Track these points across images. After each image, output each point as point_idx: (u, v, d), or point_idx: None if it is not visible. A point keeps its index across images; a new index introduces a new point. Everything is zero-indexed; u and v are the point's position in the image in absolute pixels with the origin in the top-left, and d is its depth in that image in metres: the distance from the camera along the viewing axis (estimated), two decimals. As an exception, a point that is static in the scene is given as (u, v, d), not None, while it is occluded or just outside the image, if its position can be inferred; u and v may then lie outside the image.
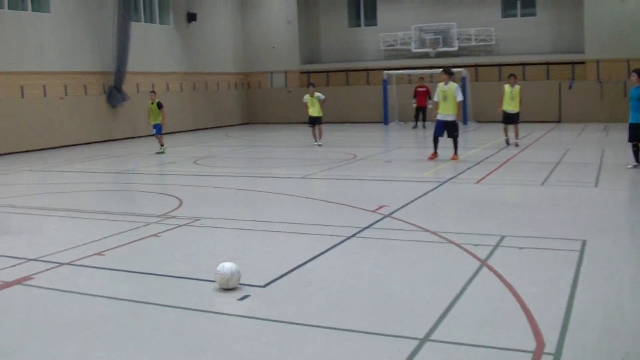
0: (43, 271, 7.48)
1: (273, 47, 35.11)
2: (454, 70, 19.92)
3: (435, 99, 16.76)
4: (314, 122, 21.46)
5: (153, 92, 21.85)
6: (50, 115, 23.81)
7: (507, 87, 19.34)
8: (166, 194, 12.94)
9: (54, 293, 6.73)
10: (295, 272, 7.18)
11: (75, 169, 17.34)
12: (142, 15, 28.99)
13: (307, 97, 21.52)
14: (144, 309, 6.16)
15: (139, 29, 27.74)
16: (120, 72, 26.39)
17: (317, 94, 21.49)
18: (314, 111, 21.33)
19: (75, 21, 25.09)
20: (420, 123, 28.41)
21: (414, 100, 28.31)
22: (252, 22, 35.65)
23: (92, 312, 6.15)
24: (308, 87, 22.15)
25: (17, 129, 22.41)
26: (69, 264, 7.78)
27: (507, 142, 19.31)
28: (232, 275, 6.54)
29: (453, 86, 16.42)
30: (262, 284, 6.70)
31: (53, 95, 24.06)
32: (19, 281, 7.09)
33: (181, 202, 11.63)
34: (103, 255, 8.13)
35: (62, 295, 6.65)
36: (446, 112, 16.46)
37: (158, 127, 20.76)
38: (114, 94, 26.48)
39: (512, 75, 19.45)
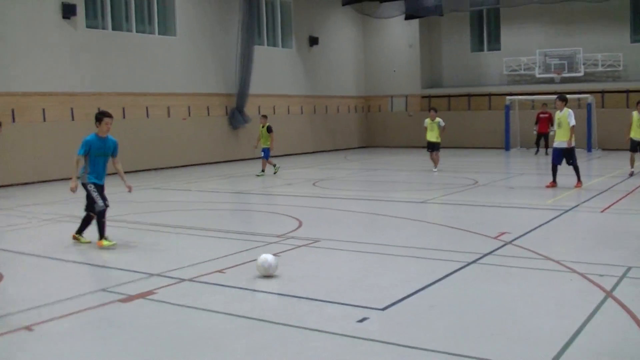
0: (165, 286, 7.69)
1: (394, 71, 35.17)
2: (579, 96, 19.20)
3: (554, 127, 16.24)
4: (431, 147, 21.20)
5: (264, 116, 22.06)
6: (173, 135, 24.69)
7: (635, 113, 18.47)
8: (286, 215, 13.09)
9: (176, 308, 6.90)
10: (415, 296, 7.07)
11: (197, 188, 17.87)
12: (265, 39, 29.71)
13: (427, 121, 21.32)
14: (263, 326, 6.22)
15: (261, 52, 28.42)
16: (242, 95, 27.08)
17: (437, 119, 21.19)
18: (432, 136, 21.05)
19: (200, 44, 26.00)
20: (542, 150, 27.66)
21: (535, 127, 27.56)
22: (374, 45, 35.86)
23: (213, 328, 6.26)
24: (429, 111, 21.90)
25: (141, 147, 23.33)
26: (190, 280, 7.98)
27: (631, 174, 18.35)
28: (269, 266, 7.90)
29: (567, 112, 15.93)
30: (381, 307, 6.64)
31: (177, 116, 24.97)
32: (142, 295, 7.32)
33: (301, 223, 11.74)
34: (224, 272, 8.29)
35: (183, 311, 6.81)
36: (561, 139, 15.97)
37: (266, 151, 20.99)
38: (236, 116, 27.20)
39: None
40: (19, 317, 6.66)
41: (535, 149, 27.82)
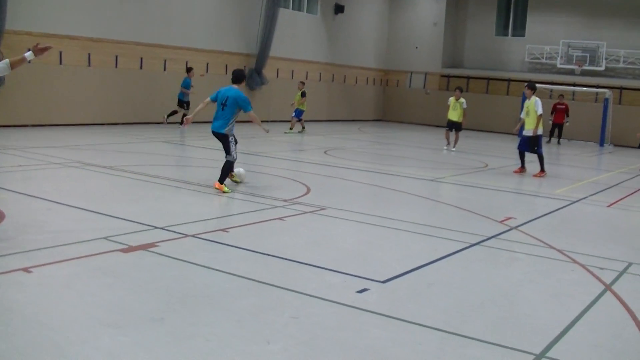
0: (168, 240, 7.70)
1: (416, 47, 34.93)
2: (598, 90, 19.05)
3: (521, 115, 16.53)
4: (451, 126, 21.17)
5: (302, 82, 24.36)
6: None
7: None
8: (294, 180, 13.07)
9: (176, 262, 6.90)
10: (416, 272, 7.07)
11: (209, 146, 17.82)
12: (291, 2, 29.48)
13: (451, 99, 21.24)
14: (262, 289, 6.22)
15: (286, 16, 28.22)
16: (262, 56, 26.94)
17: (462, 99, 21.09)
18: (454, 115, 20.98)
19: (223, 1, 25.77)
20: (554, 139, 27.63)
21: (551, 117, 27.48)
22: (399, 20, 35.57)
23: (212, 286, 6.26)
24: (455, 90, 21.78)
25: (156, 100, 23.24)
26: (193, 236, 7.97)
27: None
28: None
29: (534, 100, 15.96)
30: (382, 280, 6.64)
31: (195, 71, 24.81)
32: (143, 247, 7.32)
33: (309, 190, 11.73)
34: (227, 232, 8.30)
35: (183, 266, 6.81)
36: (528, 127, 16.08)
37: (298, 112, 23.50)
38: (254, 77, 27.06)
39: None
40: (19, 258, 6.65)
41: (548, 138, 27.73)
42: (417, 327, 5.49)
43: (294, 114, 23.84)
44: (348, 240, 8.57)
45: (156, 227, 8.25)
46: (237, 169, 12.01)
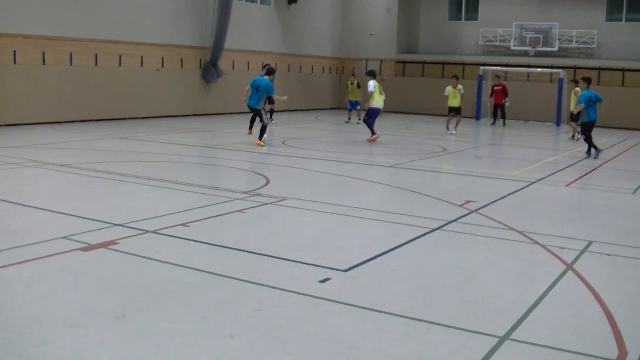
0: (128, 237, 7.63)
1: (370, 35, 35.03)
2: (552, 70, 19.68)
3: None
4: (455, 111, 22.16)
5: (353, 75, 26.61)
6: (145, 86, 24.40)
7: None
8: (253, 172, 13.06)
9: (138, 259, 6.84)
10: (378, 259, 7.11)
11: (166, 140, 17.71)
12: (244, -7, 29.34)
13: (449, 88, 22.18)
14: (224, 282, 6.21)
15: (239, 7, 28.07)
16: (217, 48, 26.78)
17: (459, 86, 22.10)
18: (455, 102, 22.08)
19: (178, -5, 25.57)
20: (499, 121, 28.15)
21: (490, 99, 28.10)
22: (352, 7, 35.63)
23: (175, 281, 6.23)
24: (452, 78, 22.72)
25: (112, 97, 23.05)
26: (154, 232, 7.92)
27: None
28: None
29: (369, 83, 18.96)
30: (343, 268, 6.67)
31: (150, 67, 24.63)
32: (103, 245, 7.25)
33: (268, 181, 11.72)
34: (188, 226, 8.25)
35: (145, 262, 6.76)
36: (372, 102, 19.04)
37: (356, 104, 25.30)
38: (210, 70, 26.90)
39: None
40: (-22, 261, 6.58)
41: (492, 120, 28.27)
42: (381, 315, 5.52)
43: (350, 107, 25.60)
44: (309, 230, 8.59)
45: (116, 225, 8.17)
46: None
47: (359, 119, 24.65)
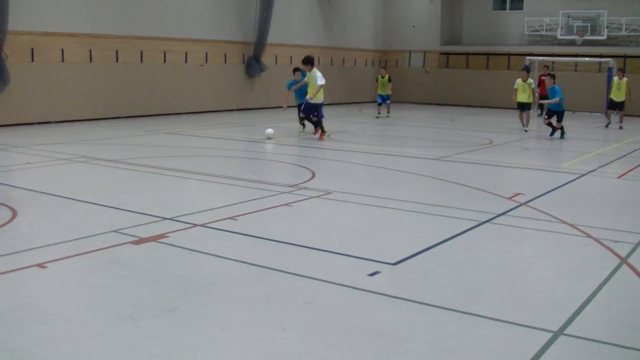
0: (177, 230, 7.70)
1: (413, 26, 34.79)
2: (601, 60, 19.38)
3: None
4: (522, 107, 20.90)
5: (384, 68, 26.66)
6: (190, 81, 24.59)
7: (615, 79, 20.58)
8: (299, 165, 13.07)
9: (188, 252, 6.91)
10: (426, 252, 7.06)
11: (211, 135, 17.83)
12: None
13: (519, 82, 20.95)
14: (273, 275, 6.23)
15: (281, 2, 28.08)
16: (260, 43, 26.86)
17: (530, 80, 21.02)
18: (524, 97, 20.75)
19: (220, -10, 25.71)
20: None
21: (537, 89, 27.36)
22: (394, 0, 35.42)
23: (224, 274, 6.28)
24: (522, 70, 21.63)
25: (157, 93, 23.30)
26: (202, 225, 7.98)
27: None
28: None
29: (314, 73, 17.16)
30: (392, 262, 6.63)
31: (194, 62, 24.83)
32: (154, 238, 7.33)
33: (313, 174, 11.71)
34: (235, 220, 8.29)
35: (195, 255, 6.82)
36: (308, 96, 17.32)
37: (387, 98, 24.72)
38: (253, 64, 27.00)
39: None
40: (32, 254, 6.71)
41: (539, 111, 27.68)
42: (431, 308, 5.48)
43: (380, 100, 24.84)
44: (356, 223, 8.57)
45: (165, 218, 8.25)
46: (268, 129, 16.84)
47: (388, 113, 24.96)
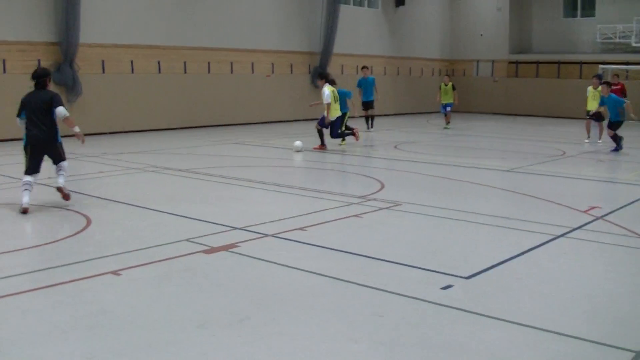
0: (248, 240, 7.74)
1: (481, 35, 34.38)
2: None
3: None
4: (594, 117, 19.77)
5: (448, 75, 26.26)
6: (256, 92, 24.82)
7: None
8: (367, 176, 13.00)
9: (258, 262, 6.93)
10: (500, 266, 6.90)
11: (279, 145, 17.92)
12: (352, -2, 29.44)
13: (590, 89, 20.29)
14: (344, 286, 6.18)
15: (347, 12, 28.15)
16: (326, 53, 26.94)
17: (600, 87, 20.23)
18: (595, 105, 19.54)
19: (286, 1, 25.85)
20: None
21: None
22: (461, 8, 35.10)
23: (294, 284, 6.27)
24: (592, 78, 20.70)
25: (224, 103, 23.61)
26: (272, 235, 7.99)
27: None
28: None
29: (324, 89, 16.76)
30: (465, 275, 6.50)
31: (260, 73, 25.05)
32: (225, 248, 7.38)
33: (382, 186, 11.63)
34: (305, 230, 8.28)
35: (265, 265, 6.84)
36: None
37: (448, 105, 24.02)
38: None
39: None
40: (106, 262, 6.84)
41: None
42: (507, 324, 5.34)
43: (443, 109, 24.26)
44: (427, 235, 8.45)
45: (235, 228, 8.30)
46: (297, 142, 16.36)
47: (448, 123, 24.36)
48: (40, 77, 9.48)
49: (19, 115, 9.46)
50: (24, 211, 9.11)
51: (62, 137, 9.71)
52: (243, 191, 11.19)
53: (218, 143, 18.19)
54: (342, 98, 17.70)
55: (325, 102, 16.66)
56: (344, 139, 17.71)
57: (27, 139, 9.42)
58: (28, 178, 9.36)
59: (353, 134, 17.49)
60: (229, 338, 4.97)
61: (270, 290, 6.05)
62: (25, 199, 9.18)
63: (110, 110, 20.28)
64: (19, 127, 9.58)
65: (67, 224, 8.80)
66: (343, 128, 17.60)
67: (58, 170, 9.70)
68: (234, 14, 23.84)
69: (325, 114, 16.87)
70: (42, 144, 9.43)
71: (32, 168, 9.45)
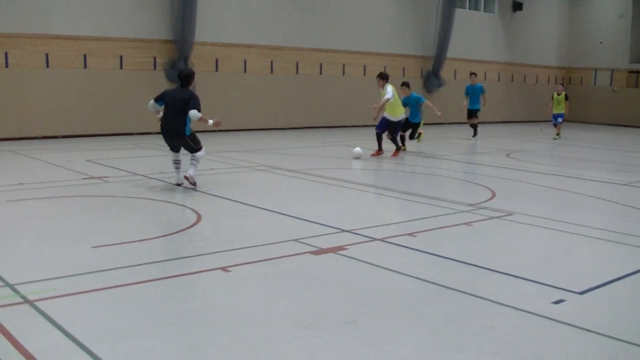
0: (356, 243, 7.75)
1: (600, 42, 33.23)
2: None
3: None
4: None
5: (561, 84, 26.09)
6: (367, 94, 24.69)
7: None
8: (477, 184, 12.80)
9: (367, 266, 6.92)
10: (615, 283, 6.63)
11: (388, 149, 17.84)
12: (467, 2, 29.02)
13: None
14: (452, 295, 6.10)
15: (462, 16, 27.82)
16: (439, 58, 26.70)
17: None
18: None
19: (400, 5, 25.78)
20: None
21: None
22: (580, 14, 34.03)
23: (403, 290, 6.22)
24: None
25: (334, 104, 23.82)
26: (381, 240, 7.98)
27: None
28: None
29: (386, 87, 16.04)
30: (579, 291, 6.29)
31: (371, 75, 24.99)
32: (333, 250, 7.41)
33: (494, 194, 11.41)
34: (414, 236, 8.22)
35: (373, 270, 6.82)
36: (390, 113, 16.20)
37: (559, 116, 23.28)
38: (431, 79, 26.87)
39: None
40: (216, 257, 6.99)
41: None
42: (621, 344, 5.13)
43: (557, 119, 23.46)
44: (539, 247, 8.24)
45: (343, 230, 8.33)
46: (356, 148, 15.70)
47: (558, 134, 23.60)
48: (186, 76, 10.78)
49: (155, 100, 10.89)
50: (178, 184, 11.04)
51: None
52: (352, 194, 11.22)
53: (328, 144, 18.34)
54: (414, 103, 17.35)
55: (386, 96, 15.81)
56: (418, 137, 17.88)
57: (160, 126, 11.00)
58: (173, 157, 11.23)
59: (397, 149, 16.75)
60: (335, 340, 4.98)
61: (378, 295, 6.03)
62: (178, 176, 11.11)
63: (222, 108, 20.73)
64: (149, 107, 10.98)
65: (179, 219, 9.07)
66: (399, 136, 16.95)
67: (191, 160, 11.03)
68: (347, 16, 24.00)
69: (384, 113, 16.23)
70: (170, 133, 10.88)
71: (171, 148, 11.20)
